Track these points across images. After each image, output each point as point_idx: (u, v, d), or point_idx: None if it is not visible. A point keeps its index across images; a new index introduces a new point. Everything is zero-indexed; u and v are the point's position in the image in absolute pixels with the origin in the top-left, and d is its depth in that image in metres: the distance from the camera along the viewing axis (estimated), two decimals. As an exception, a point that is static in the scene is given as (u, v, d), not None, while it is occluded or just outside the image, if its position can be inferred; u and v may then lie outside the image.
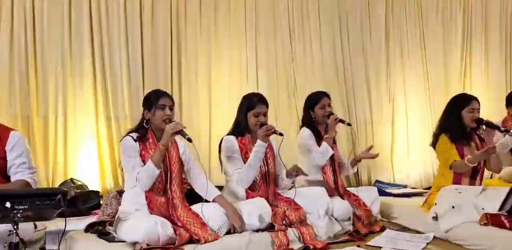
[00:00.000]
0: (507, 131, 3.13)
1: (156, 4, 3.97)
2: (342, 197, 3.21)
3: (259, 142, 2.80)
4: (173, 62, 4.03)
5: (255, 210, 2.63)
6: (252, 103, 2.92)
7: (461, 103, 3.29)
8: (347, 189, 3.37)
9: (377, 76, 4.65)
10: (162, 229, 2.31)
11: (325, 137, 3.21)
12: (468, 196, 2.96)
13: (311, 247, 2.69)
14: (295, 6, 4.38)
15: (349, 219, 3.03)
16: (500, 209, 2.70)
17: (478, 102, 3.30)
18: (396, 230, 3.14)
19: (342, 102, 4.50)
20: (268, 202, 2.89)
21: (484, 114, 4.57)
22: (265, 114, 2.92)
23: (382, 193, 3.94)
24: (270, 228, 2.67)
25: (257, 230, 2.64)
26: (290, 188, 3.10)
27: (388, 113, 4.64)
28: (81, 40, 3.77)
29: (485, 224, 2.71)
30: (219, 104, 4.13)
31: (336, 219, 2.96)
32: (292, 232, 2.71)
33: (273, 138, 3.02)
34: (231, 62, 4.19)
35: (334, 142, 3.38)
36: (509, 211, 2.70)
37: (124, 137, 2.59)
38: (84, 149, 3.77)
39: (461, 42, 4.93)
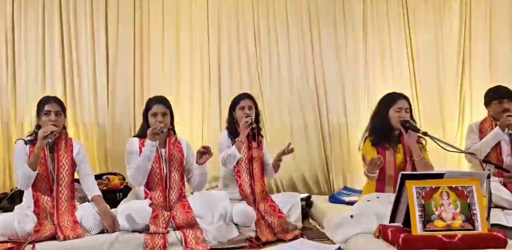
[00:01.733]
0: (425, 134, 2.79)
1: (121, 9, 4.12)
2: (256, 202, 3.10)
3: (147, 141, 2.82)
4: (136, 68, 4.15)
5: (126, 210, 2.65)
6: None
7: (388, 102, 3.02)
8: (269, 194, 3.24)
9: (353, 77, 4.36)
10: (19, 225, 2.43)
11: (236, 139, 3.12)
12: (377, 205, 2.70)
13: (190, 250, 2.64)
14: (260, 3, 4.28)
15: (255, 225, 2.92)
16: (391, 221, 2.42)
17: (407, 101, 2.99)
18: (315, 239, 2.93)
19: (313, 105, 4.30)
20: (169, 203, 2.90)
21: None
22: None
23: (336, 200, 3.74)
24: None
25: (137, 231, 2.67)
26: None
27: (366, 116, 4.32)
28: (52, 47, 4.03)
29: (378, 237, 2.45)
30: (182, 107, 4.17)
31: (236, 224, 2.86)
32: (174, 235, 2.68)
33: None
34: (193, 66, 4.22)
35: (259, 146, 3.27)
36: (405, 221, 2.40)
37: (17, 140, 2.78)
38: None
39: (458, 32, 4.44)
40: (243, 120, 3.09)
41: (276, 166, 3.25)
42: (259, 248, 2.79)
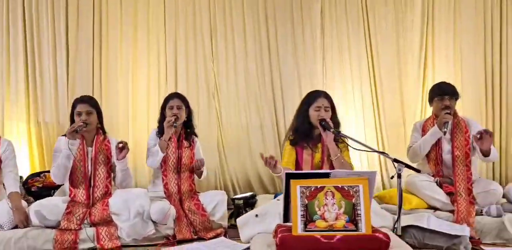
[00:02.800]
0: (338, 132, 2.73)
1: (81, 9, 4.21)
2: (181, 201, 3.13)
3: (65, 139, 2.90)
4: (95, 67, 4.24)
5: (37, 206, 2.74)
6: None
7: (308, 100, 2.98)
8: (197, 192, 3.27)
9: (311, 75, 4.29)
10: None
11: (161, 138, 3.15)
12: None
13: (99, 247, 2.70)
14: (217, 2, 4.29)
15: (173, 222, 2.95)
16: (285, 220, 2.39)
17: (328, 99, 2.94)
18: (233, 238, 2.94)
19: (269, 103, 4.27)
20: (93, 201, 2.98)
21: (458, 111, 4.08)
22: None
23: (280, 199, 3.71)
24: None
25: (52, 227, 2.75)
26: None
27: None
28: (16, 47, 4.15)
29: (274, 236, 2.44)
30: (139, 105, 4.24)
31: (154, 222, 2.90)
32: (85, 232, 2.75)
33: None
34: (150, 64, 4.27)
35: (190, 145, 3.30)
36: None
37: None
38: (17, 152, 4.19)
39: (420, 26, 4.29)
40: (166, 119, 3.12)
41: (197, 173, 3.28)
42: (173, 245, 2.82)
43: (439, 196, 3.11)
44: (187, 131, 3.34)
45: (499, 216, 2.94)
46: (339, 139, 2.93)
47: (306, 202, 2.23)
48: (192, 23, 4.30)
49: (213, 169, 4.22)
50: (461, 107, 4.26)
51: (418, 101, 4.30)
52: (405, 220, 2.86)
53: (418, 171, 2.62)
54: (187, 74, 4.29)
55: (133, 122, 4.26)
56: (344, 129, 4.17)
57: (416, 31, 4.30)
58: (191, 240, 2.93)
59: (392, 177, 2.61)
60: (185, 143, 3.28)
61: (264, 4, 4.30)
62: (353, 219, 2.21)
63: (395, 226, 2.56)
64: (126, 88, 4.25)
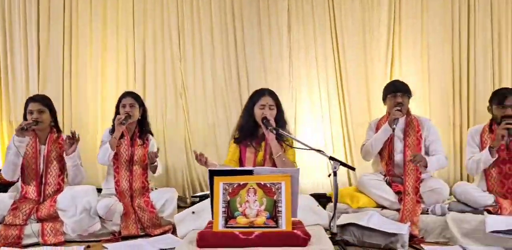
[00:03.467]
0: (276, 130, 2.75)
1: (52, 10, 4.30)
2: (132, 198, 3.18)
3: (14, 137, 2.97)
4: (65, 67, 4.32)
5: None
6: None
7: (253, 99, 3.02)
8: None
9: (278, 73, 4.31)
10: None
11: (112, 137, 3.20)
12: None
13: (41, 242, 2.77)
14: (185, 2, 4.33)
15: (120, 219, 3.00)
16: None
17: (273, 97, 2.96)
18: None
19: (236, 102, 4.30)
20: (44, 197, 3.05)
21: (425, 109, 4.05)
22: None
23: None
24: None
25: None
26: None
27: (290, 113, 4.28)
28: None
29: (206, 233, 2.47)
30: (108, 104, 4.28)
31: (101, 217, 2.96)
32: (30, 227, 2.82)
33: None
34: (119, 64, 4.34)
35: (144, 143, 3.34)
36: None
37: None
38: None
39: (387, 23, 4.27)
40: (116, 117, 3.17)
41: (151, 169, 3.32)
42: (117, 241, 2.87)
43: (387, 195, 3.11)
44: (142, 129, 3.38)
45: (443, 215, 2.93)
46: (284, 137, 2.94)
47: (228, 198, 2.26)
48: (160, 22, 4.35)
49: (180, 168, 4.28)
50: (428, 105, 4.28)
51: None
52: (347, 218, 2.89)
53: (353, 168, 2.64)
54: (155, 74, 4.35)
55: (102, 121, 4.32)
56: (310, 128, 4.31)
57: (383, 29, 4.28)
58: (137, 236, 2.98)
59: (330, 175, 2.64)
60: (139, 141, 3.33)
61: (231, 3, 4.33)
62: (274, 215, 2.22)
63: (331, 223, 2.60)
64: (95, 87, 4.33)
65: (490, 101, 3.19)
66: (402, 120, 3.33)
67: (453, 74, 4.24)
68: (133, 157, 3.26)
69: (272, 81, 4.31)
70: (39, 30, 4.32)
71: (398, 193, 3.13)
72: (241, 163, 2.95)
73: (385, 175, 3.28)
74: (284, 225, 2.21)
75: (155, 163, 3.24)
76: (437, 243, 2.86)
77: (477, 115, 4.21)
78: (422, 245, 2.77)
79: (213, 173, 2.31)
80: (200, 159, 2.60)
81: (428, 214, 2.99)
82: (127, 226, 2.99)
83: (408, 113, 3.36)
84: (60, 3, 4.32)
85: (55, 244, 2.77)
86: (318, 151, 2.69)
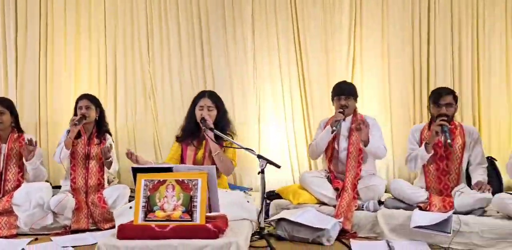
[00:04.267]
0: (211, 129, 2.91)
1: (29, 14, 4.52)
2: (87, 194, 3.37)
3: None
4: (41, 70, 4.53)
5: None
6: None
7: (194, 100, 3.18)
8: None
9: (242, 75, 4.43)
10: None
11: (67, 137, 3.39)
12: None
13: (-7, 234, 3.00)
14: (153, 3, 4.51)
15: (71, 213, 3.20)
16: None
17: (212, 99, 3.11)
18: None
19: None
20: (3, 194, 3.28)
21: (386, 110, 4.16)
22: None
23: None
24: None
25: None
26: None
27: (255, 113, 4.44)
28: None
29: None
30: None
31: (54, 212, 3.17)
32: (-15, 221, 3.05)
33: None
34: (91, 66, 4.53)
35: (100, 143, 3.53)
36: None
37: None
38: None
39: (348, 24, 4.37)
40: (71, 119, 3.37)
41: (106, 164, 3.49)
42: (66, 234, 3.07)
43: (326, 192, 3.24)
44: (99, 129, 3.56)
45: (375, 211, 3.04)
46: (225, 137, 3.09)
47: (149, 194, 2.43)
48: (130, 27, 4.52)
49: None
50: (389, 105, 4.37)
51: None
52: (281, 214, 3.02)
53: (278, 166, 2.78)
54: (125, 76, 4.53)
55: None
56: (273, 126, 4.43)
57: (344, 31, 4.38)
58: (87, 230, 3.17)
59: (259, 173, 2.78)
60: (95, 140, 3.51)
61: (197, 8, 4.48)
62: (189, 210, 2.39)
63: (259, 218, 2.75)
64: (69, 89, 4.52)
65: (429, 100, 3.28)
66: (348, 120, 3.45)
67: (414, 75, 4.32)
68: (89, 155, 3.45)
69: (237, 84, 4.46)
70: (17, 34, 4.55)
71: (338, 189, 3.25)
72: (182, 160, 3.11)
73: (329, 172, 3.40)
74: (198, 219, 2.37)
75: (110, 159, 3.41)
76: (367, 238, 2.97)
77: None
78: (351, 239, 2.89)
79: (136, 170, 2.49)
80: (131, 157, 2.77)
81: (363, 210, 3.11)
82: (78, 220, 3.18)
83: (354, 113, 3.47)
84: (36, 8, 4.52)
85: (6, 237, 2.97)
86: (248, 149, 2.84)
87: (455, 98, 3.23)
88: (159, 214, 2.40)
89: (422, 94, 4.30)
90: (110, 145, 3.43)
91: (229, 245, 2.27)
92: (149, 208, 2.41)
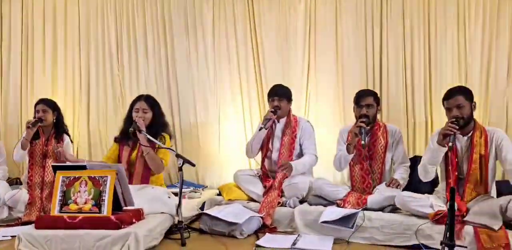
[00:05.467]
0: (139, 131, 3.17)
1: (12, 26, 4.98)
2: (42, 190, 3.69)
3: None
4: (23, 80, 4.94)
5: None
6: None
7: (131, 103, 3.42)
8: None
9: (203, 80, 4.69)
10: None
11: (23, 138, 3.72)
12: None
13: None
14: (123, 12, 4.82)
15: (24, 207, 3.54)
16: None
17: (147, 102, 3.37)
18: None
19: (167, 106, 4.72)
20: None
21: (339, 111, 4.39)
22: None
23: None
24: None
25: None
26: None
27: (215, 117, 4.68)
28: None
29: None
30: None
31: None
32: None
33: None
34: (67, 75, 4.90)
35: (58, 143, 3.85)
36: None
37: None
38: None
39: (303, 30, 4.55)
40: (26, 121, 3.70)
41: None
42: (17, 225, 3.39)
43: (255, 189, 3.44)
44: (57, 130, 3.88)
45: (295, 207, 3.22)
46: (158, 137, 3.34)
47: (65, 189, 2.72)
48: (102, 39, 4.87)
49: (118, 165, 4.79)
50: (343, 107, 4.49)
51: (302, 100, 4.55)
52: (205, 209, 3.24)
53: (193, 164, 3.01)
54: (97, 81, 4.87)
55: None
56: (233, 130, 4.65)
57: (300, 35, 4.54)
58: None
59: (179, 170, 3.02)
60: (53, 141, 3.83)
61: (162, 14, 4.76)
62: (98, 203, 2.66)
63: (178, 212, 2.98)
64: (47, 91, 4.88)
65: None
66: (282, 121, 3.65)
67: (367, 77, 4.43)
68: (46, 154, 3.77)
69: (198, 87, 4.71)
70: (1, 48, 5.00)
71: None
72: (119, 160, 3.38)
73: (263, 171, 3.60)
74: (105, 211, 2.64)
75: (67, 162, 3.72)
76: (285, 232, 3.16)
77: (390, 118, 4.38)
78: (267, 233, 3.08)
79: (56, 168, 2.78)
80: (59, 156, 3.07)
81: (285, 206, 3.29)
82: (30, 213, 3.51)
83: (288, 114, 3.65)
84: (18, 23, 4.94)
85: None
86: (169, 149, 3.10)
87: (376, 99, 3.37)
88: (72, 206, 2.68)
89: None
90: (59, 150, 3.67)
91: (128, 235, 2.52)
92: (64, 201, 2.70)
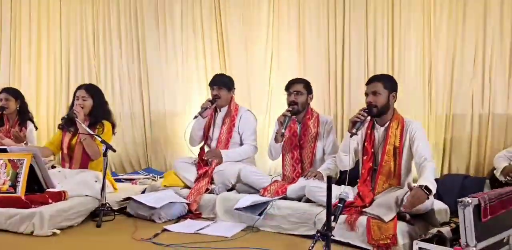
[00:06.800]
0: (73, 118, 3.33)
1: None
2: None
3: None
4: (11, 68, 5.27)
5: None
6: None
7: (74, 91, 3.59)
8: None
9: (173, 73, 4.83)
10: None
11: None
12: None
13: None
14: (100, 7, 5.04)
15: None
16: None
17: (87, 92, 3.52)
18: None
19: (139, 97, 4.94)
20: None
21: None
22: None
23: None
24: None
25: None
26: None
27: (183, 107, 4.80)
28: None
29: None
30: (42, 100, 5.19)
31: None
32: None
33: None
34: (49, 67, 5.20)
35: (21, 130, 4.09)
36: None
37: None
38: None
39: (266, 23, 4.57)
40: None
41: None
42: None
43: (189, 176, 3.53)
44: (21, 117, 4.13)
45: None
46: (97, 125, 3.50)
47: (-12, 170, 2.93)
48: (80, 29, 5.14)
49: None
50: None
51: (264, 91, 4.58)
52: (133, 195, 3.37)
53: (114, 150, 3.14)
54: (76, 71, 5.14)
55: (36, 113, 5.13)
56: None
57: (263, 25, 4.58)
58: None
59: (103, 155, 3.16)
60: (17, 128, 4.08)
61: (135, 7, 4.93)
62: (15, 184, 2.85)
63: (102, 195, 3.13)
64: (31, 86, 5.19)
65: None
66: (224, 110, 3.71)
67: (329, 68, 4.40)
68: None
69: (167, 78, 4.87)
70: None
71: (203, 174, 3.53)
72: (61, 145, 3.56)
73: (200, 159, 3.67)
74: (19, 192, 2.83)
75: (25, 141, 3.94)
76: (207, 218, 3.23)
77: (352, 106, 4.32)
78: (188, 219, 3.17)
79: (-17, 151, 2.99)
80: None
81: (213, 193, 3.36)
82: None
83: (230, 103, 3.70)
84: (7, 17, 5.25)
85: None
86: (97, 135, 3.26)
87: (306, 87, 3.36)
88: (-6, 187, 2.89)
89: (337, 85, 4.37)
90: (18, 131, 3.91)
91: (34, 215, 2.70)
92: (-13, 182, 2.91)
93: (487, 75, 4.07)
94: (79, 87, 3.60)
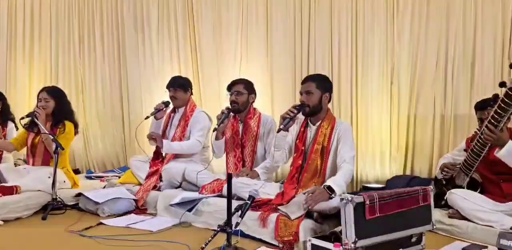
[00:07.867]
0: (31, 117, 3.56)
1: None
2: None
3: None
4: (7, 72, 5.62)
5: None
6: None
7: (38, 94, 3.83)
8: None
9: (150, 75, 5.04)
10: None
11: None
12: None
13: None
14: (85, 11, 5.30)
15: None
16: None
17: (48, 94, 3.75)
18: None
19: (121, 98, 5.16)
20: None
21: (269, 105, 4.63)
22: None
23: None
24: None
25: None
26: None
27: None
28: None
29: None
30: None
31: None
32: None
33: None
34: (39, 68, 5.50)
35: (3, 129, 4.38)
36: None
37: None
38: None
39: (236, 22, 4.71)
40: None
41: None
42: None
43: (141, 173, 3.70)
44: (2, 117, 4.41)
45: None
46: (59, 125, 3.73)
47: None
48: (68, 33, 5.40)
49: (78, 152, 5.28)
50: (271, 101, 4.60)
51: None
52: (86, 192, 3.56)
53: (62, 148, 3.34)
54: (64, 75, 5.41)
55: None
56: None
57: (233, 29, 4.72)
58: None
59: (54, 152, 3.37)
60: (0, 129, 4.38)
61: (117, 21, 5.18)
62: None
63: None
64: (24, 87, 5.52)
65: None
66: (181, 111, 3.85)
67: (295, 67, 4.50)
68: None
69: (145, 81, 5.09)
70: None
71: (157, 172, 3.69)
72: (26, 143, 3.81)
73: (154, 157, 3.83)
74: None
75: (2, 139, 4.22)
76: (151, 214, 3.38)
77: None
78: (132, 214, 3.33)
79: None
80: None
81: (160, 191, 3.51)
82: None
83: (186, 104, 3.84)
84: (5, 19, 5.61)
85: None
86: (49, 134, 3.46)
87: (247, 87, 3.47)
88: None
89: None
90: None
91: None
92: None
93: (449, 77, 4.07)
94: (41, 90, 3.84)
